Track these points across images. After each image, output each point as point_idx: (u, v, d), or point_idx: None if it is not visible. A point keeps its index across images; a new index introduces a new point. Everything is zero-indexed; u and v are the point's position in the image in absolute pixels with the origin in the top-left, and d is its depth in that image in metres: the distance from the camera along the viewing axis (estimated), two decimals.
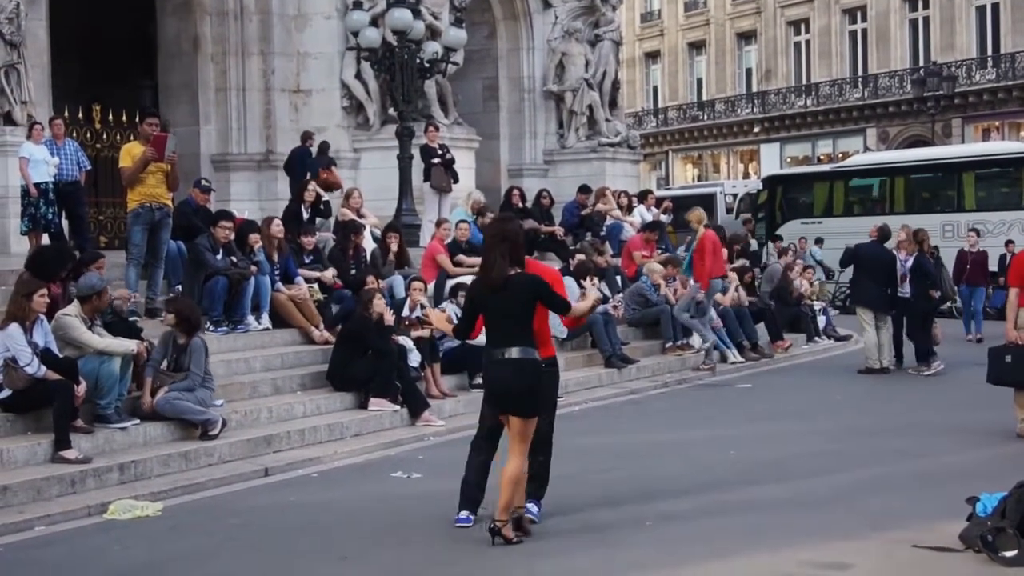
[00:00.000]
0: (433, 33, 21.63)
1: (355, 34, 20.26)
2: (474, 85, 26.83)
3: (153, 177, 13.43)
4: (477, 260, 16.97)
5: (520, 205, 21.44)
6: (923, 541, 7.82)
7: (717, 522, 8.69)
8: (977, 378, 16.32)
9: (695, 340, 18.78)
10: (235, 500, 9.99)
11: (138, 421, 11.07)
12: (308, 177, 18.89)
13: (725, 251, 20.64)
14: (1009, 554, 7.35)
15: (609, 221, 22.15)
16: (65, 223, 16.51)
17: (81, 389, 10.41)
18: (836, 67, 49.13)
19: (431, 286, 16.18)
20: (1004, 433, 12.09)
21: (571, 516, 8.71)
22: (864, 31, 48.34)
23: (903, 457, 11.14)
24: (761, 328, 20.32)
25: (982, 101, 43.48)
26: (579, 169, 26.51)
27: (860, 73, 48.34)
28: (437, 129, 21.05)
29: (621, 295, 18.79)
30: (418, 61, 20.06)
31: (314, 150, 20.35)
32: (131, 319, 12.57)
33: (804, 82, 50.65)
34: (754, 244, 28.67)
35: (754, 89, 53.20)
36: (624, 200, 23.07)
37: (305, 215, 17.20)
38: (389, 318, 13.57)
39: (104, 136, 21.14)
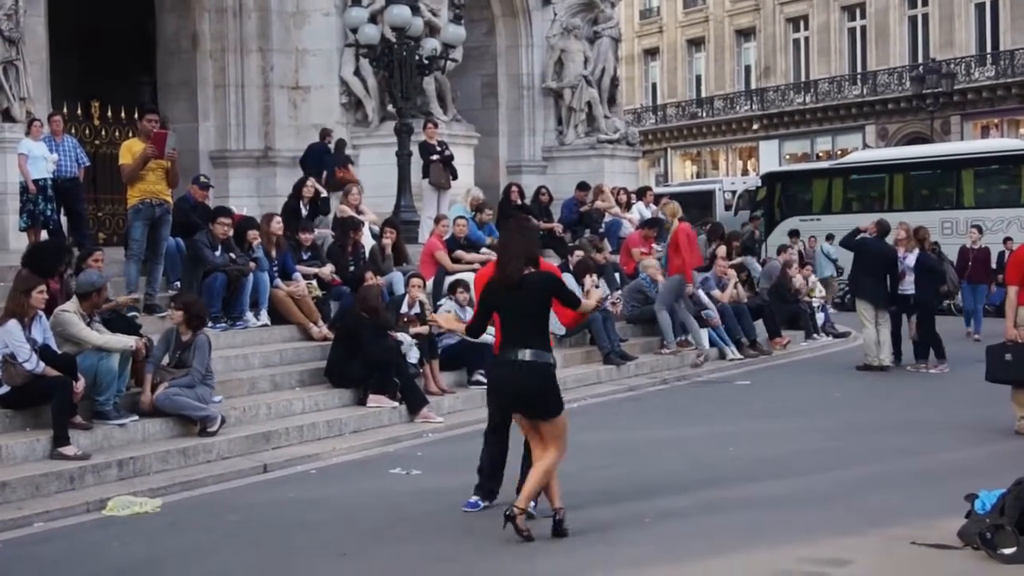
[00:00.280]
0: (432, 30, 21.62)
1: (354, 31, 20.25)
2: (473, 82, 26.82)
3: (153, 174, 13.42)
4: (476, 256, 17.18)
5: (519, 202, 21.44)
6: (922, 538, 7.82)
7: (716, 519, 8.69)
8: (976, 376, 16.35)
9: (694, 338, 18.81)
10: (234, 496, 9.99)
11: (137, 417, 11.07)
12: (324, 174, 18.98)
13: (724, 247, 20.69)
14: (1008, 551, 7.36)
15: (608, 218, 22.13)
16: (64, 219, 16.50)
17: (80, 385, 10.41)
18: (835, 64, 49.12)
19: (430, 282, 16.18)
20: (1003, 430, 12.09)
21: (570, 513, 8.68)
22: (863, 28, 48.33)
23: (902, 454, 11.15)
24: (760, 325, 20.32)
25: (981, 98, 43.47)
26: (578, 166, 26.50)
27: (859, 70, 48.34)
28: (436, 126, 21.06)
29: (620, 292, 18.78)
30: (417, 58, 20.05)
31: (331, 148, 20.38)
32: (130, 315, 12.57)
33: (803, 79, 50.65)
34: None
35: (753, 86, 53.19)
36: (623, 197, 23.07)
37: (304, 211, 17.21)
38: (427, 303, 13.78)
39: (103, 133, 21.14)
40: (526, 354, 7.97)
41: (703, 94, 56.01)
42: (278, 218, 15.63)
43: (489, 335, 8.71)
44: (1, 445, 9.96)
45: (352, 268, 15.97)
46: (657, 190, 29.65)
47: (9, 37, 16.69)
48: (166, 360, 11.47)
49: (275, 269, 14.93)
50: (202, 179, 16.48)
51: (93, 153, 19.18)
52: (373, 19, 20.61)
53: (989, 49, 43.89)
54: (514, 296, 8.03)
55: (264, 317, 14.59)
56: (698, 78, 56.75)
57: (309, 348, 14.39)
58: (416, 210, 20.35)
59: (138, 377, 11.39)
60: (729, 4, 53.98)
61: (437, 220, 18.00)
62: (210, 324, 13.72)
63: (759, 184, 36.48)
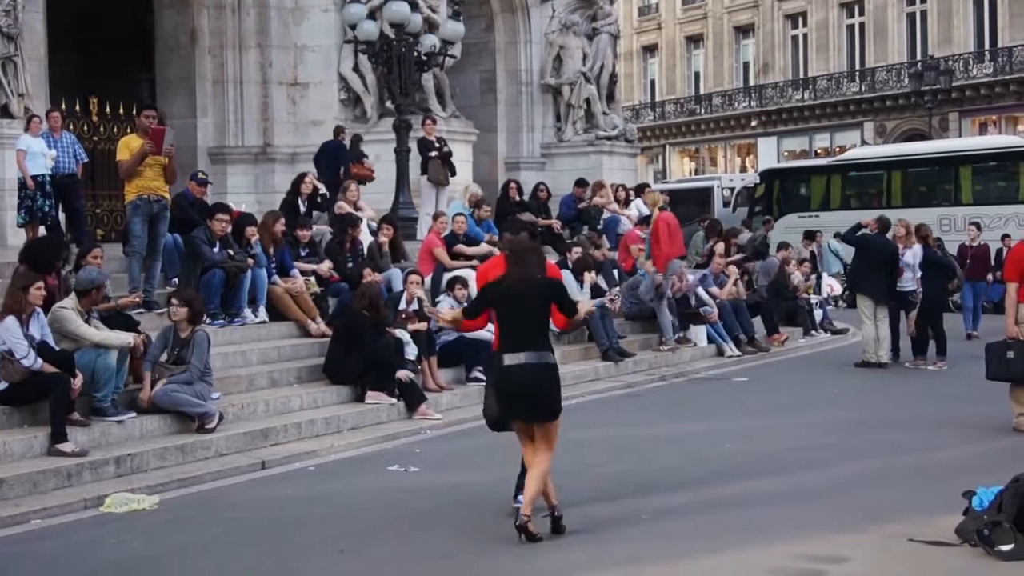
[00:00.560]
0: (431, 26, 21.61)
1: (353, 27, 20.24)
2: (471, 78, 26.82)
3: (151, 170, 13.41)
4: (475, 250, 17.18)
5: (517, 198, 21.46)
6: (919, 535, 7.83)
7: (714, 516, 8.70)
8: (974, 373, 16.36)
9: (692, 334, 18.82)
10: (232, 493, 9.99)
11: (134, 414, 11.06)
12: (341, 170, 18.99)
13: (722, 245, 20.70)
14: (1005, 548, 7.36)
15: (606, 215, 22.15)
16: (62, 216, 16.50)
17: (77, 382, 10.41)
18: (834, 61, 49.11)
19: (428, 279, 16.18)
20: (1001, 427, 12.09)
21: (567, 510, 8.68)
22: (862, 25, 48.33)
23: (900, 451, 11.15)
24: (758, 322, 20.32)
25: (979, 95, 43.48)
26: (576, 162, 26.51)
27: (857, 67, 48.35)
28: (434, 122, 21.04)
29: (618, 289, 18.77)
30: (415, 54, 20.04)
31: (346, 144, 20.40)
32: (135, 312, 12.59)
33: (801, 76, 50.63)
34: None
35: (751, 83, 53.17)
36: (621, 194, 23.07)
37: (302, 208, 17.21)
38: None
39: (101, 129, 21.12)
40: (531, 356, 7.97)
41: (701, 91, 56.01)
42: (282, 219, 15.60)
43: (489, 332, 8.71)
44: None
45: (350, 265, 15.97)
46: (655, 187, 29.60)
47: (7, 33, 16.68)
48: (164, 357, 11.46)
49: (273, 266, 14.92)
50: (200, 175, 16.47)
51: (91, 149, 19.17)
52: (372, 15, 20.58)
53: (987, 46, 43.89)
54: (520, 299, 8.03)
55: (262, 314, 14.58)
56: (697, 75, 56.73)
57: (307, 345, 14.39)
58: (415, 207, 20.35)
59: (136, 374, 11.39)
60: (728, 1, 53.98)
61: (435, 217, 17.99)
62: (208, 321, 13.75)
63: (757, 181, 36.48)
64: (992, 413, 12.55)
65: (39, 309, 10.64)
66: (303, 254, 15.81)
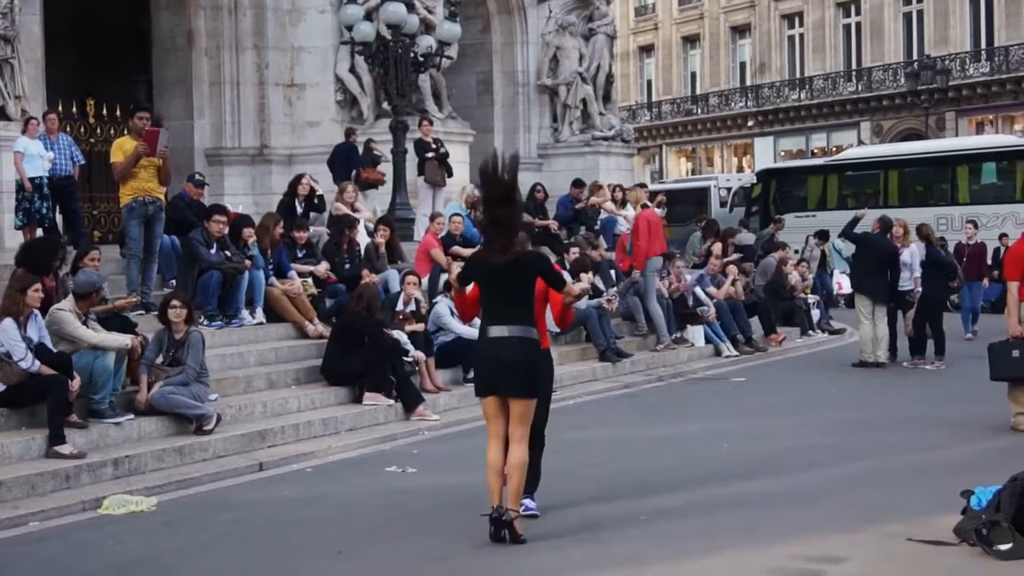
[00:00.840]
0: (427, 27, 21.60)
1: (349, 28, 20.24)
2: (468, 79, 26.82)
3: (145, 172, 13.39)
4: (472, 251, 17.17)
5: None
6: (917, 534, 7.83)
7: (712, 516, 8.69)
8: (972, 372, 16.39)
9: (689, 334, 18.82)
10: (230, 495, 9.98)
11: (132, 416, 11.06)
12: (354, 173, 19.01)
13: (719, 245, 20.71)
14: (1003, 547, 7.36)
15: (603, 215, 22.15)
16: (59, 218, 16.49)
17: (75, 384, 10.40)
18: (830, 61, 49.14)
19: (425, 280, 16.17)
20: (998, 427, 12.10)
21: (565, 510, 8.71)
22: (858, 24, 48.36)
23: (897, 451, 11.15)
24: (755, 322, 20.34)
25: (976, 94, 43.50)
26: (573, 163, 26.52)
27: (854, 67, 48.39)
28: (431, 123, 21.06)
29: (615, 289, 18.78)
30: (412, 55, 20.04)
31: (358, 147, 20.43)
32: (135, 313, 12.59)
33: (798, 76, 50.65)
34: (752, 238, 28.63)
35: (748, 83, 53.19)
36: (618, 194, 23.07)
37: (299, 209, 17.20)
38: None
39: (98, 131, 21.14)
40: (513, 330, 7.89)
41: (698, 91, 56.02)
42: (282, 223, 15.60)
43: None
44: None
45: (347, 266, 15.97)
46: (652, 187, 29.60)
47: (4, 35, 16.67)
48: (160, 359, 11.46)
49: (271, 267, 14.92)
50: (197, 177, 16.48)
51: (88, 151, 19.19)
52: (368, 16, 20.58)
53: (984, 45, 43.91)
54: (503, 275, 7.93)
55: (260, 315, 14.57)
56: (693, 75, 56.74)
57: (305, 346, 14.39)
58: (412, 208, 20.34)
59: (134, 376, 11.38)
60: (724, 1, 53.99)
61: (432, 218, 17.99)
62: (206, 322, 13.76)
63: (754, 181, 36.49)
64: (990, 413, 12.56)
65: (37, 311, 10.64)
66: (300, 255, 15.80)
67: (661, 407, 14.63)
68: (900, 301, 18.00)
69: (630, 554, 7.73)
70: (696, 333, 18.96)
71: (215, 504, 9.62)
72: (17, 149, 15.83)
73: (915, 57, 44.98)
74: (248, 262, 14.37)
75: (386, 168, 20.14)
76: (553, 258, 17.58)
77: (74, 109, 20.98)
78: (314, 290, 15.30)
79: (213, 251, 14.21)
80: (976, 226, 24.43)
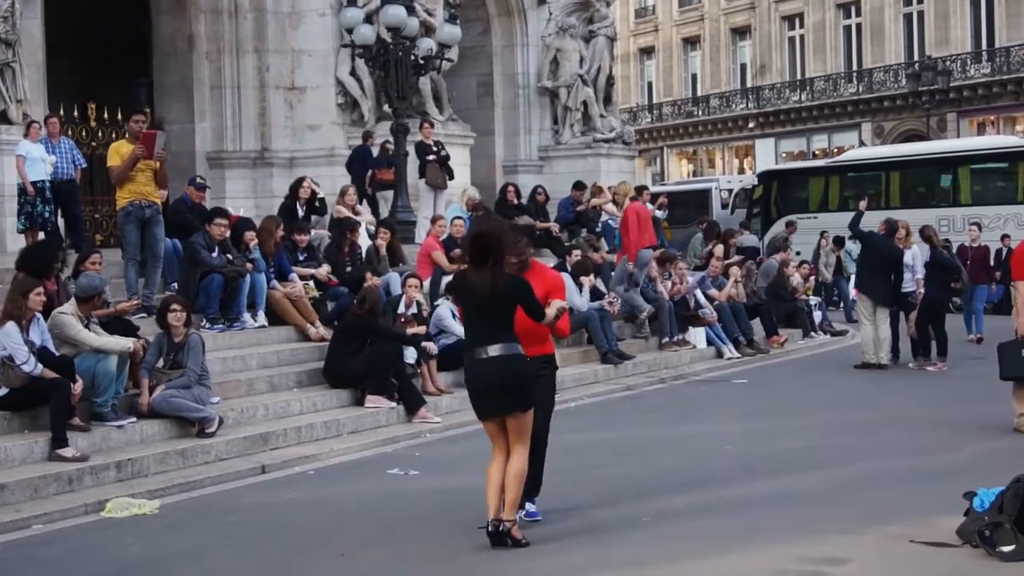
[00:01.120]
0: (427, 30, 21.60)
1: (349, 31, 20.23)
2: (469, 81, 26.79)
3: (142, 175, 13.40)
4: None
5: (515, 201, 21.45)
6: (920, 536, 7.83)
7: (714, 518, 8.70)
8: (974, 374, 16.41)
9: (691, 336, 18.83)
10: (232, 498, 10.00)
11: (135, 419, 11.08)
12: (369, 175, 19.01)
13: (721, 247, 20.71)
14: (1006, 549, 7.36)
15: (604, 217, 22.15)
16: (61, 221, 16.49)
17: (78, 387, 10.42)
18: (831, 62, 49.12)
19: (427, 283, 16.18)
20: (1001, 428, 12.09)
21: (568, 512, 8.72)
22: (858, 26, 48.34)
23: (900, 452, 11.16)
24: (757, 324, 20.33)
25: (977, 95, 43.48)
26: (574, 165, 26.48)
27: (855, 68, 48.37)
28: (432, 126, 21.05)
29: (617, 291, 18.79)
30: (412, 58, 20.04)
31: (375, 150, 20.47)
32: (137, 316, 12.61)
33: (799, 77, 50.64)
34: (754, 239, 28.68)
35: (749, 84, 53.17)
36: (619, 196, 23.06)
37: (300, 212, 17.21)
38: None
39: (99, 134, 21.10)
40: (496, 349, 7.86)
41: (699, 93, 56.00)
42: (282, 226, 15.61)
43: None
44: None
45: (349, 269, 15.98)
46: (653, 189, 29.60)
47: (5, 39, 16.65)
48: (160, 363, 11.47)
49: (272, 270, 14.93)
50: (198, 180, 16.49)
51: (90, 155, 19.16)
52: (369, 19, 20.58)
53: (985, 46, 43.89)
54: (484, 300, 7.88)
55: (261, 318, 14.59)
56: (694, 77, 56.73)
57: (307, 349, 14.39)
58: (413, 210, 20.35)
59: (136, 379, 11.39)
60: (724, 3, 53.98)
61: (434, 220, 18.00)
62: (208, 325, 13.78)
63: (755, 182, 36.48)
64: (993, 414, 12.56)
65: (39, 314, 10.65)
66: (301, 258, 15.81)
67: (663, 409, 14.63)
68: (902, 303, 17.99)
69: (632, 556, 7.73)
70: (698, 335, 18.97)
71: (217, 507, 9.63)
72: (19, 153, 15.83)
73: (916, 58, 44.96)
74: (249, 265, 14.38)
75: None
76: (554, 261, 17.66)
77: (75, 113, 20.96)
78: (315, 293, 15.31)
79: (215, 254, 14.22)
80: (980, 228, 24.35)
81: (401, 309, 14.51)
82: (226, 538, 8.61)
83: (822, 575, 7.27)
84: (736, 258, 21.60)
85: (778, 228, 32.10)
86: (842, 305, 26.80)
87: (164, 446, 10.94)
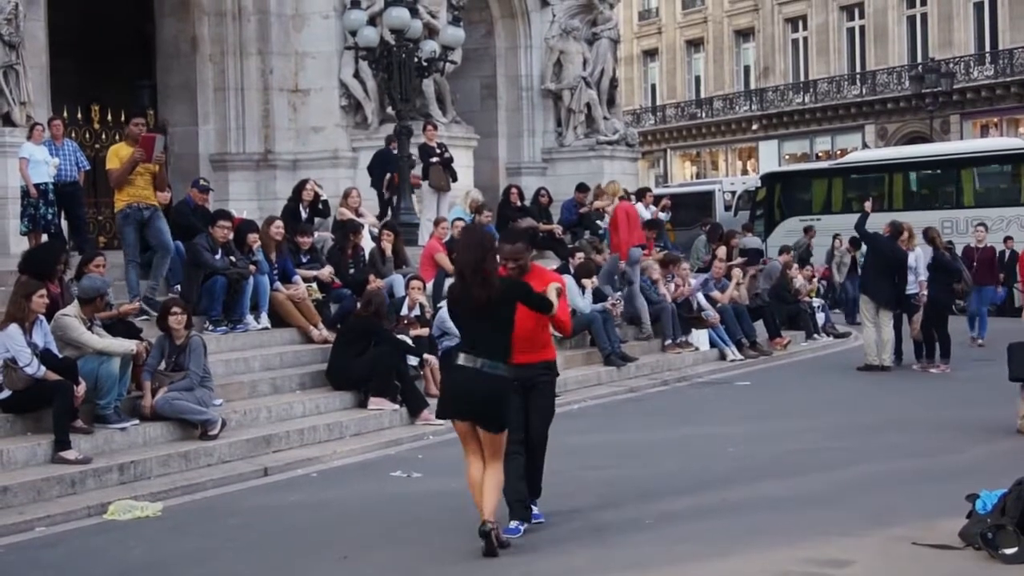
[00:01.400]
0: (431, 32, 21.62)
1: (353, 33, 20.24)
2: (472, 84, 26.80)
3: (142, 178, 13.40)
4: None
5: (518, 203, 21.47)
6: (923, 538, 7.83)
7: (717, 520, 8.70)
8: (977, 376, 16.41)
9: (694, 338, 18.83)
10: (235, 500, 10.00)
11: (137, 421, 11.09)
12: (387, 176, 19.05)
13: (724, 249, 20.71)
14: (1009, 551, 7.36)
15: (607, 219, 22.12)
16: (64, 224, 16.51)
17: (81, 389, 10.42)
18: (834, 64, 49.10)
19: (430, 285, 16.18)
20: (1004, 430, 12.08)
21: (570, 515, 8.71)
22: (862, 28, 48.31)
23: (902, 454, 11.15)
24: (760, 326, 20.32)
25: (980, 97, 43.45)
26: (577, 167, 26.49)
27: (858, 70, 48.32)
28: (435, 128, 21.06)
29: (620, 294, 18.79)
30: (416, 60, 20.04)
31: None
32: (140, 319, 12.62)
33: (802, 79, 50.62)
34: (757, 241, 28.67)
35: (752, 86, 53.16)
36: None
37: (304, 214, 17.22)
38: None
39: (103, 136, 21.14)
40: (481, 363, 7.78)
41: (702, 95, 55.99)
42: (279, 223, 15.62)
43: None
44: (2, 450, 9.97)
45: (352, 271, 15.99)
46: (657, 191, 29.58)
47: (9, 41, 16.69)
48: (162, 365, 11.47)
49: (275, 272, 14.93)
50: (202, 182, 16.49)
51: (93, 157, 19.18)
52: (372, 21, 20.59)
53: (988, 48, 43.86)
54: (476, 313, 7.82)
55: (264, 320, 14.60)
56: (697, 79, 56.72)
57: (309, 351, 14.39)
58: (416, 212, 20.35)
59: (138, 381, 11.40)
60: (728, 5, 53.98)
61: (437, 222, 18.01)
62: (211, 327, 13.79)
63: (759, 184, 36.46)
64: (996, 416, 12.55)
65: (42, 317, 10.66)
66: (304, 261, 15.82)
67: (666, 411, 14.62)
68: (905, 305, 17.98)
69: (635, 558, 7.73)
70: (701, 337, 18.97)
71: (220, 509, 9.63)
72: (22, 155, 15.84)
73: (919, 60, 44.93)
74: (252, 267, 14.39)
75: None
76: (557, 263, 17.66)
77: (79, 115, 21.01)
78: (319, 295, 15.32)
79: (218, 257, 14.24)
80: (987, 229, 24.25)
81: (404, 311, 14.53)
82: (229, 541, 8.61)
83: None
84: (739, 260, 21.59)
85: (781, 231, 32.15)
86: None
87: (167, 448, 10.95)
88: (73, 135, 18.93)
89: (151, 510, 9.40)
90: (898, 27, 46.71)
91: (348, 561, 7.92)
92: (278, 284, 14.86)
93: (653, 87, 59.00)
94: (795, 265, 23.26)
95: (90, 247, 15.63)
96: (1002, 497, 7.65)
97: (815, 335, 22.17)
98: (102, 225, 20.99)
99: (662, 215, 23.47)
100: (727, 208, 38.14)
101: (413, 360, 13.79)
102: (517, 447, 8.29)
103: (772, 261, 23.89)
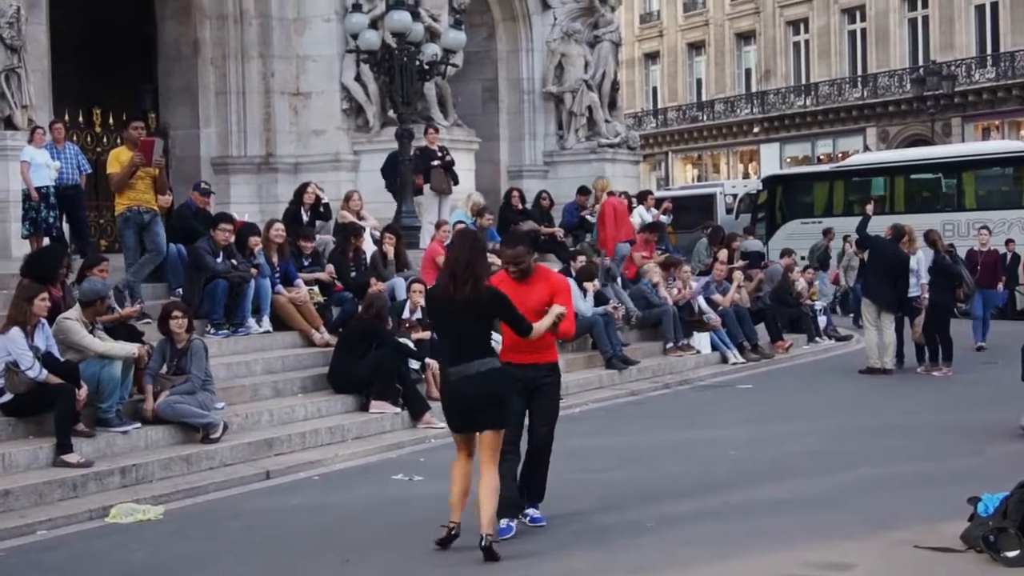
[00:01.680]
0: (432, 35, 21.62)
1: (354, 36, 20.25)
2: (473, 87, 26.81)
3: (142, 182, 13.43)
4: None
5: (520, 207, 21.47)
6: (925, 541, 7.82)
7: (718, 523, 8.70)
8: (979, 379, 16.40)
9: (695, 342, 18.82)
10: (237, 503, 10.00)
11: (139, 425, 11.09)
12: (397, 181, 19.12)
13: (725, 252, 20.70)
14: (1011, 554, 7.36)
15: None
16: (66, 227, 16.51)
17: (82, 393, 10.43)
18: (835, 67, 49.12)
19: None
20: (1006, 433, 12.08)
21: (571, 518, 8.71)
22: (863, 31, 48.33)
23: (904, 457, 11.14)
24: (761, 329, 20.31)
25: (982, 100, 43.46)
26: (579, 170, 26.48)
27: (859, 73, 48.33)
28: (437, 131, 21.04)
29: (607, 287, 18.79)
30: (417, 63, 20.05)
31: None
32: (143, 322, 12.63)
33: (803, 82, 50.64)
34: (759, 244, 28.66)
35: (753, 89, 53.19)
36: (624, 201, 23.06)
37: (305, 217, 17.22)
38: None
39: (104, 140, 21.14)
40: (473, 366, 7.81)
41: (704, 97, 56.02)
42: (279, 225, 15.62)
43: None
44: (4, 453, 9.98)
45: (353, 274, 15.99)
46: (658, 194, 29.59)
47: (11, 45, 16.71)
48: (164, 369, 11.48)
49: (277, 275, 14.93)
50: (203, 185, 16.48)
51: (95, 160, 19.17)
52: (374, 24, 20.59)
53: (989, 51, 43.87)
54: (460, 313, 7.84)
55: (266, 323, 14.60)
56: (698, 82, 56.76)
57: (311, 354, 14.40)
58: (417, 216, 20.35)
59: (140, 384, 11.40)
60: (729, 7, 54.01)
61: (438, 226, 18.00)
62: (212, 331, 13.80)
63: (760, 188, 36.47)
64: (998, 419, 12.55)
65: (44, 320, 10.67)
66: (305, 264, 15.82)
67: (667, 414, 14.63)
68: (907, 307, 17.97)
69: (637, 561, 7.74)
70: (702, 340, 18.96)
71: (222, 513, 9.64)
72: (24, 159, 15.84)
73: (921, 63, 44.95)
74: (254, 270, 14.40)
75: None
76: (558, 266, 17.65)
77: (80, 118, 21.01)
78: (320, 298, 15.32)
79: (219, 260, 14.24)
80: (990, 232, 24.19)
81: (406, 314, 14.54)
82: (230, 544, 8.61)
83: None
84: (740, 263, 21.58)
85: (782, 234, 32.15)
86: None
87: (168, 452, 10.96)
88: (75, 138, 18.94)
89: (153, 513, 9.41)
90: (899, 30, 46.72)
91: (350, 564, 7.92)
92: (280, 287, 14.86)
93: (654, 90, 59.03)
94: (797, 268, 23.22)
95: (91, 250, 15.61)
96: (1004, 500, 7.65)
97: (817, 338, 22.15)
98: (103, 228, 20.99)
99: (663, 218, 23.48)
100: (728, 211, 38.12)
101: (415, 363, 13.79)
102: (512, 447, 8.34)
103: (774, 264, 23.87)
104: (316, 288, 15.42)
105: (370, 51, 20.04)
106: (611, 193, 19.62)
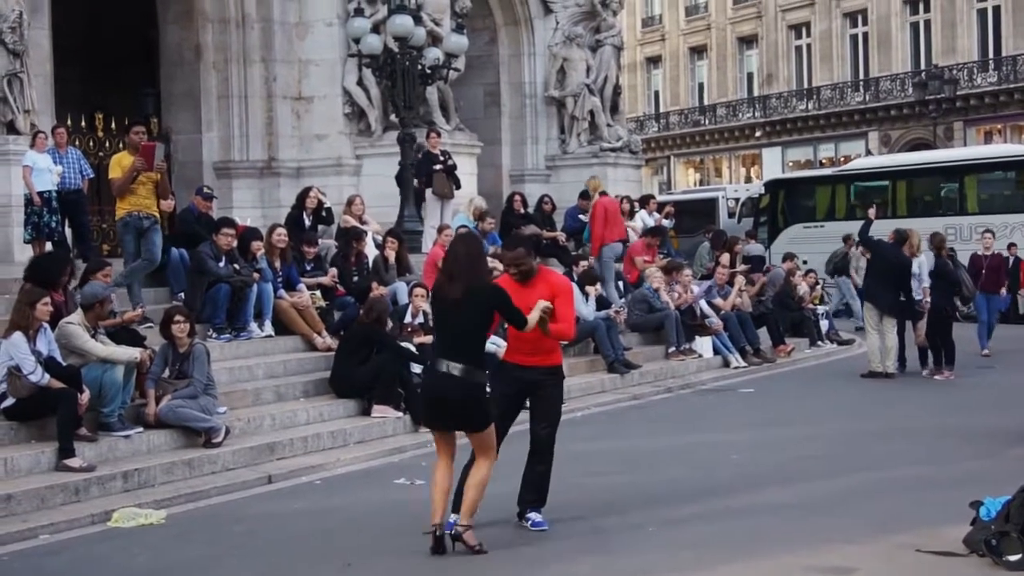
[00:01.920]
0: (434, 39, 21.64)
1: (356, 41, 20.29)
2: (475, 91, 26.83)
3: (143, 187, 13.43)
4: None
5: (522, 211, 21.48)
6: (927, 545, 7.82)
7: (720, 527, 8.69)
8: (981, 383, 16.40)
9: (697, 346, 18.81)
10: (239, 508, 10.00)
11: (141, 429, 11.09)
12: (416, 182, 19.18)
13: (727, 256, 20.69)
14: (1013, 558, 7.35)
15: None
16: (68, 231, 16.53)
17: (84, 397, 10.43)
18: (837, 71, 49.12)
19: None
20: (1008, 437, 12.08)
21: (573, 522, 8.71)
22: (865, 35, 48.33)
23: (906, 461, 11.14)
24: (763, 333, 20.30)
25: (984, 104, 43.45)
26: (581, 174, 26.39)
27: (861, 76, 48.34)
28: (439, 135, 21.06)
29: (624, 301, 18.81)
30: (419, 67, 20.07)
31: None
32: (145, 326, 12.64)
33: (805, 86, 50.63)
34: (760, 248, 28.66)
35: (756, 93, 53.20)
36: (626, 205, 23.06)
37: (307, 222, 17.23)
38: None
39: (107, 144, 21.17)
40: (457, 368, 7.82)
41: (706, 102, 56.03)
42: (281, 230, 15.62)
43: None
44: (6, 457, 9.98)
45: (356, 278, 15.99)
46: (660, 198, 29.60)
47: (13, 50, 16.72)
48: (166, 373, 11.49)
49: (279, 280, 14.94)
50: (206, 190, 16.50)
51: (97, 165, 19.19)
52: (376, 29, 20.63)
53: (992, 55, 43.87)
54: (456, 309, 7.87)
55: (268, 328, 14.61)
56: (701, 86, 56.77)
57: (313, 359, 14.41)
58: (419, 220, 20.36)
59: (143, 389, 11.41)
60: (731, 12, 54.04)
61: (440, 230, 18.01)
62: (214, 335, 13.80)
63: (762, 191, 36.47)
64: (1000, 423, 12.56)
65: (46, 325, 10.68)
66: (307, 268, 15.83)
67: (669, 418, 14.63)
68: (909, 311, 17.95)
69: (639, 565, 7.73)
70: (704, 344, 18.95)
71: (224, 517, 9.64)
72: (26, 163, 15.85)
73: (923, 67, 44.96)
74: (256, 275, 14.40)
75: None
76: (560, 270, 17.64)
77: (83, 123, 21.04)
78: (323, 303, 15.32)
79: (222, 264, 14.25)
80: (994, 236, 24.13)
81: (408, 319, 14.54)
82: (233, 548, 8.61)
83: None
84: (742, 267, 21.58)
85: (784, 238, 32.12)
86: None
87: (171, 456, 10.96)
88: (77, 143, 18.96)
89: (155, 517, 9.40)
90: (901, 34, 46.73)
91: (352, 568, 7.92)
92: (282, 292, 14.87)
93: (656, 94, 59.06)
94: (799, 272, 23.22)
95: (94, 255, 15.64)
96: (1006, 504, 7.64)
97: (819, 342, 22.15)
98: (105, 233, 21.00)
99: (665, 222, 23.48)
100: (730, 215, 38.13)
101: (417, 368, 13.77)
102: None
103: (776, 268, 23.86)
104: (318, 292, 15.43)
105: (372, 55, 20.08)
106: (604, 193, 19.59)
